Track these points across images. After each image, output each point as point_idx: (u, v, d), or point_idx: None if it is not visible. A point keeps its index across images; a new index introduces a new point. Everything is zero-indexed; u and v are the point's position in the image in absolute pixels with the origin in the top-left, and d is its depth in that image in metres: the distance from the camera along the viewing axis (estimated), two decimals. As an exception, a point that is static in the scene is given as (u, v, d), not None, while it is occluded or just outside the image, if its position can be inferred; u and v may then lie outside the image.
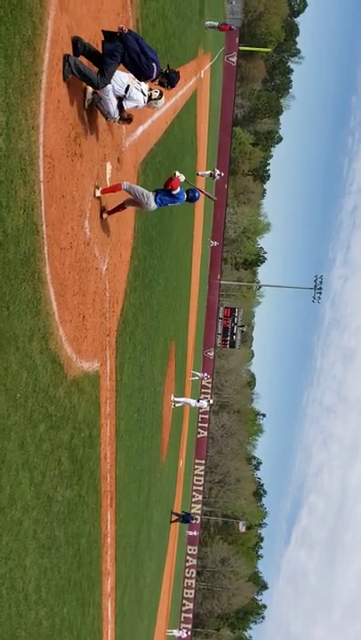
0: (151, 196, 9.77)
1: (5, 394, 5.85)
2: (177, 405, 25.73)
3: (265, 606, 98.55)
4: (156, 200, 9.82)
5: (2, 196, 5.48)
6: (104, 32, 7.98)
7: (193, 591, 56.10)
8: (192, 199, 10.44)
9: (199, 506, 56.95)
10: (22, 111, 5.82)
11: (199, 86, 31.15)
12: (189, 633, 51.43)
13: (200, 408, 28.76)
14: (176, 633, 39.62)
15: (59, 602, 8.24)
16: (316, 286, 64.30)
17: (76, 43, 7.34)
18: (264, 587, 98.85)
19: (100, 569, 11.37)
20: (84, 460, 9.26)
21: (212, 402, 38.23)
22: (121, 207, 10.11)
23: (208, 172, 33.33)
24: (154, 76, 8.43)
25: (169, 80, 8.88)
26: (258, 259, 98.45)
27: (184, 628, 46.67)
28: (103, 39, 7.88)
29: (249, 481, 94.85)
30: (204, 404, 30.45)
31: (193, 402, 28.27)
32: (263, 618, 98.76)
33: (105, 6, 9.04)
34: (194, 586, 56.59)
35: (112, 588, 12.90)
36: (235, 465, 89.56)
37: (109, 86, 8.10)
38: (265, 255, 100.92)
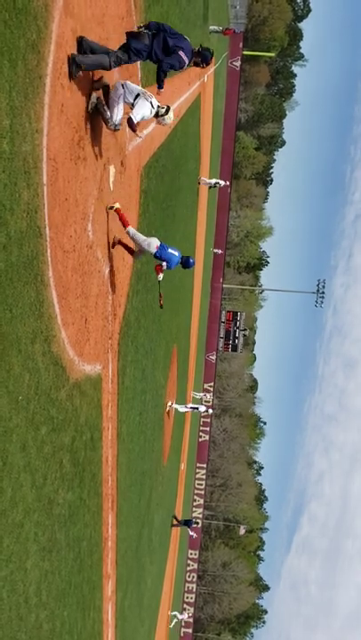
0: (153, 244, 10.43)
1: (7, 396, 5.85)
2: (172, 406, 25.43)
3: (266, 611, 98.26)
4: (161, 252, 10.60)
5: (5, 199, 5.50)
6: (129, 33, 8.06)
7: (194, 595, 55.96)
8: (186, 264, 11.46)
9: (200, 509, 56.86)
10: (26, 114, 5.84)
11: (203, 90, 31.22)
12: (192, 614, 51.46)
13: (197, 408, 28.78)
14: (179, 616, 40.30)
15: (59, 605, 8.23)
16: (318, 290, 64.23)
17: (81, 42, 7.36)
18: (266, 588, 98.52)
19: (101, 572, 11.36)
20: (85, 463, 9.26)
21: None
22: (129, 250, 10.84)
23: (213, 181, 33.34)
24: (185, 67, 8.40)
25: (203, 58, 8.75)
26: (260, 262, 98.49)
27: (186, 610, 46.86)
28: (130, 37, 7.92)
29: (250, 485, 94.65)
30: (202, 407, 30.18)
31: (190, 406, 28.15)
32: (264, 623, 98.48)
33: (109, 11, 9.07)
34: (195, 590, 56.43)
35: (113, 591, 12.87)
36: (236, 469, 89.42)
37: (120, 91, 8.15)
38: (267, 259, 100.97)
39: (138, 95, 8.31)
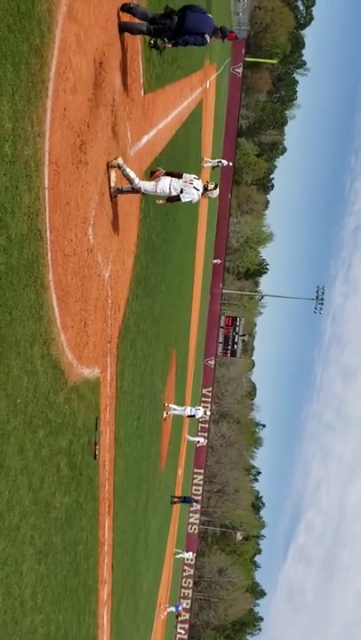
0: None
1: (6, 399, 5.86)
2: (170, 413, 25.09)
3: (261, 618, 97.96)
4: None
5: (7, 202, 5.52)
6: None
7: (190, 601, 55.79)
8: None
9: (197, 515, 56.71)
10: (28, 118, 5.86)
11: (205, 96, 31.35)
12: (195, 554, 51.43)
13: (194, 416, 28.46)
14: (185, 554, 41.00)
15: (54, 609, 8.21)
16: (318, 297, 64.35)
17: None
18: (262, 594, 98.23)
19: (97, 576, 11.33)
20: (82, 467, 9.26)
21: (208, 413, 38.34)
22: None
23: (216, 161, 34.05)
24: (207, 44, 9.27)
25: (223, 34, 9.81)
26: (260, 269, 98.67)
27: (190, 550, 47.06)
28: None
29: (247, 492, 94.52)
30: (199, 412, 29.78)
31: (188, 410, 27.57)
32: (260, 630, 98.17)
33: (112, 16, 9.12)
34: (191, 596, 56.25)
35: (108, 595, 12.84)
36: (233, 475, 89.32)
37: (164, 191, 9.37)
38: (267, 266, 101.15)
39: (182, 190, 9.28)
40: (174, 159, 19.29)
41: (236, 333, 62.13)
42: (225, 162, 35.56)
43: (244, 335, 67.41)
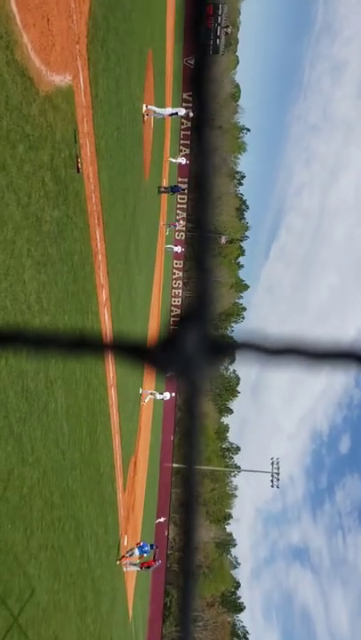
0: None
1: (-24, 113, 5.52)
2: (150, 115, 23.28)
3: (245, 308, 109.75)
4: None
5: None
6: None
7: (180, 299, 61.72)
8: None
9: (183, 222, 58.88)
10: None
11: None
12: (184, 249, 52.75)
13: (177, 114, 26.39)
14: (174, 248, 46.62)
15: (60, 310, 9.08)
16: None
17: None
18: (245, 287, 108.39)
19: (95, 282, 12.27)
20: (67, 181, 9.24)
21: (191, 114, 36.42)
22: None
23: None
24: None
25: None
26: None
27: (178, 244, 51.57)
28: None
29: (232, 197, 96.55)
30: (182, 111, 27.47)
31: (169, 110, 25.51)
32: (243, 318, 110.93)
33: None
34: (180, 294, 61.97)
35: (107, 298, 14.10)
36: (217, 182, 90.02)
37: None
38: None
39: None
40: None
41: (219, 25, 55.62)
42: None
43: (227, 27, 60.47)
